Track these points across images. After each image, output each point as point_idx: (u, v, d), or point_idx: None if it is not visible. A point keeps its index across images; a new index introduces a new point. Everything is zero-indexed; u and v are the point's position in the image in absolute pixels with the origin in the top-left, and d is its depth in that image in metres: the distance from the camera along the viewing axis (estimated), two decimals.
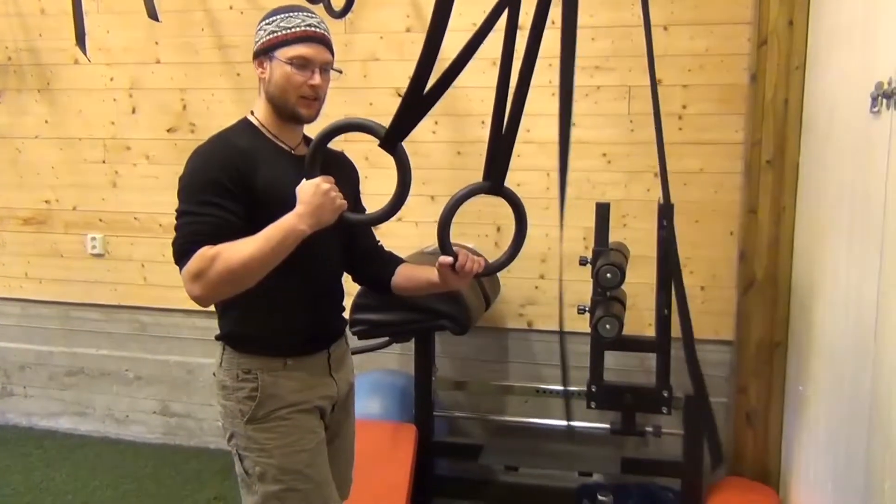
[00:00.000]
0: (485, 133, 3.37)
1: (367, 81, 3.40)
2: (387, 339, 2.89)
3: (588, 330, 2.83)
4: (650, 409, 2.84)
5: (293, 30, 1.80)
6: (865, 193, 2.00)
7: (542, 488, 3.29)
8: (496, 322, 3.41)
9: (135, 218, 3.76)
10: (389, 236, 3.41)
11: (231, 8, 3.50)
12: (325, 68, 1.84)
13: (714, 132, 3.10)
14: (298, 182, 1.71)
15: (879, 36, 1.98)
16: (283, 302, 1.83)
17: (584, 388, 2.87)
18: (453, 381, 3.37)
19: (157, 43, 3.63)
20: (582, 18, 3.17)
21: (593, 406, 2.87)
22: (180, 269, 1.69)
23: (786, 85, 2.87)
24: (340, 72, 1.97)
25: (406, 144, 3.31)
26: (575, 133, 3.22)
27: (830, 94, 2.51)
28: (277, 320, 1.84)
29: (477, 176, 3.46)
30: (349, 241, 2.04)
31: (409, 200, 3.40)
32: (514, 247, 1.93)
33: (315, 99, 1.84)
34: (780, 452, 3.01)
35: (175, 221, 1.73)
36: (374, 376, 3.35)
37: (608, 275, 2.59)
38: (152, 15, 3.30)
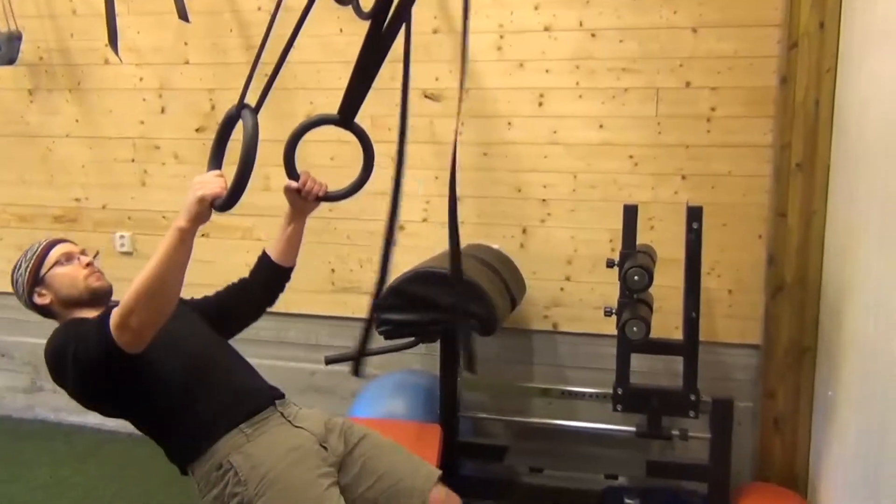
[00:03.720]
0: (511, 135, 3.42)
1: (394, 83, 3.38)
2: (413, 339, 2.89)
3: (615, 332, 2.83)
4: (677, 412, 2.83)
5: (38, 251, 2.03)
6: None
7: (567, 490, 3.28)
8: (521, 324, 3.41)
9: (163, 217, 3.79)
10: (415, 237, 3.45)
11: (259, 9, 3.52)
12: (83, 252, 2.09)
13: (743, 135, 3.07)
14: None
15: None
16: (196, 396, 1.91)
17: (610, 391, 2.87)
18: (478, 381, 3.37)
19: (186, 43, 3.66)
20: (609, 20, 3.22)
21: (619, 409, 2.86)
22: (110, 334, 1.74)
23: (817, 87, 2.84)
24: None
25: (431, 146, 3.37)
26: (601, 135, 3.22)
27: (863, 97, 2.49)
28: (204, 409, 1.90)
29: (503, 177, 3.50)
30: (212, 312, 2.18)
31: (434, 202, 3.45)
32: (360, 179, 2.05)
33: (94, 271, 2.05)
34: (809, 458, 2.98)
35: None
36: (398, 376, 3.36)
37: (636, 277, 2.58)
38: (183, 16, 3.33)
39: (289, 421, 1.96)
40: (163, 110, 3.74)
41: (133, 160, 3.82)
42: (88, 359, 1.80)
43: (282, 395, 2.04)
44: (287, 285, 2.24)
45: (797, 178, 2.91)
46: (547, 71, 3.24)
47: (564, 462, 3.03)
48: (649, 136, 3.17)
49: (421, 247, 3.35)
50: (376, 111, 3.36)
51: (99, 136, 3.85)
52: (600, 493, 3.17)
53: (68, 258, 2.03)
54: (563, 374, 3.38)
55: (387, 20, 1.61)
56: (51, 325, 2.09)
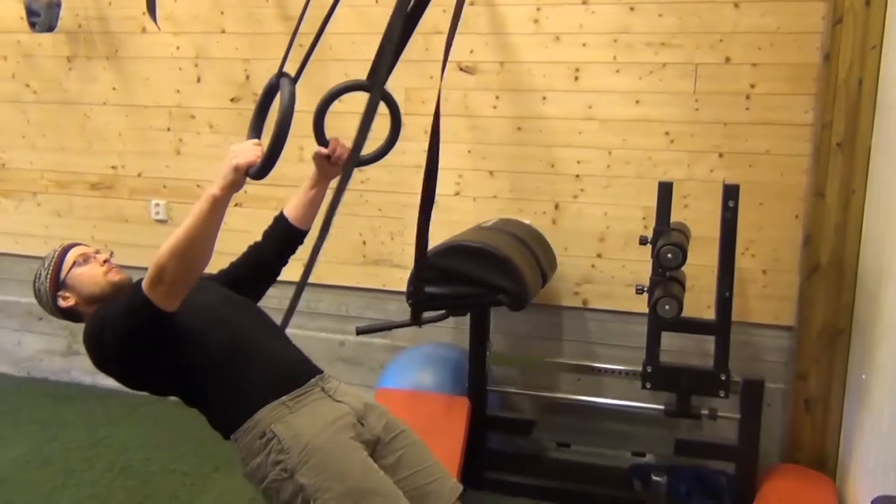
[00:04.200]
0: (546, 109, 3.39)
1: (428, 54, 3.38)
2: (443, 312, 2.90)
3: (645, 310, 2.82)
4: (707, 392, 2.82)
5: (55, 258, 2.05)
6: None
7: (593, 466, 3.30)
8: (551, 300, 3.40)
9: (197, 185, 3.83)
10: (448, 211, 3.45)
11: None
12: (97, 251, 2.12)
13: (783, 112, 3.02)
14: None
15: None
16: (239, 368, 1.92)
17: (640, 369, 2.86)
18: (507, 355, 3.38)
19: (222, 13, 3.66)
20: None
21: (648, 387, 2.86)
22: (142, 292, 1.78)
23: (861, 65, 2.78)
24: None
25: (465, 119, 3.35)
26: (637, 110, 3.18)
27: None
28: (248, 381, 1.91)
29: (536, 152, 3.48)
30: (237, 282, 2.20)
31: (468, 175, 3.44)
32: (387, 144, 2.07)
33: (112, 267, 2.09)
34: (839, 441, 2.96)
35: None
36: (427, 349, 3.38)
37: (669, 255, 2.56)
38: None
39: (329, 395, 1.98)
40: (198, 79, 3.76)
41: (169, 129, 3.85)
42: (126, 325, 1.83)
43: (321, 371, 2.06)
44: (299, 249, 2.24)
45: (837, 158, 2.85)
46: (584, 45, 3.20)
47: (592, 438, 3.03)
48: (686, 112, 3.12)
49: (453, 221, 3.35)
50: (411, 84, 3.39)
51: (135, 104, 3.88)
52: (627, 470, 3.18)
53: (85, 259, 2.06)
54: (593, 350, 3.38)
55: None
56: None
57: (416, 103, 3.39)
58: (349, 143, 2.01)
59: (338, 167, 2.06)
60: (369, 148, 1.99)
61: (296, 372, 1.99)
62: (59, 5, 3.70)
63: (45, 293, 2.05)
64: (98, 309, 1.98)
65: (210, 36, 3.70)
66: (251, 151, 1.72)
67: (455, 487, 2.04)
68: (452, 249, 2.78)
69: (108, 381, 4.34)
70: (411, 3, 1.74)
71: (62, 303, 2.04)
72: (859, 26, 2.77)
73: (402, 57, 3.44)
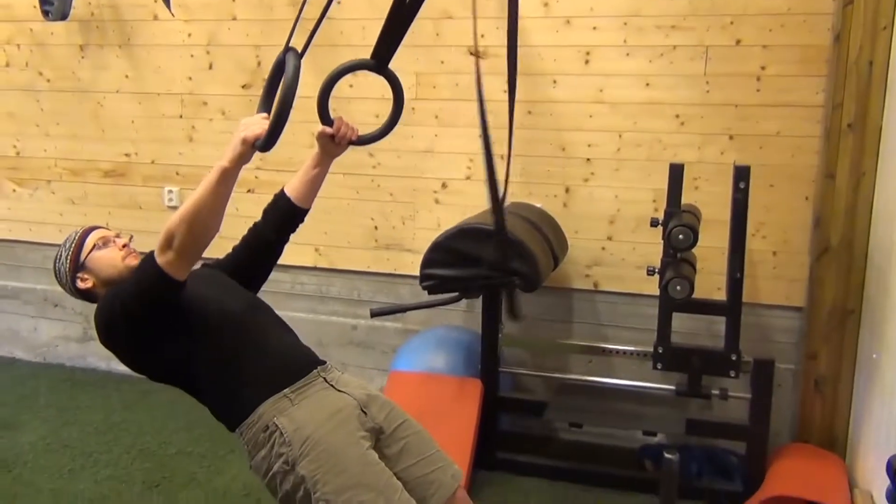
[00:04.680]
0: (557, 93, 3.41)
1: (438, 39, 3.41)
2: (456, 294, 2.93)
3: (655, 292, 2.84)
4: (717, 372, 2.85)
5: (76, 239, 2.09)
6: None
7: (604, 447, 3.34)
8: (562, 282, 3.43)
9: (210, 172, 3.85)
10: (458, 194, 3.47)
11: None
12: (117, 235, 2.14)
13: (793, 94, 3.03)
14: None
15: None
16: (241, 359, 1.95)
17: (651, 350, 2.89)
18: (519, 338, 3.40)
19: (233, 0, 3.69)
20: None
21: (660, 367, 2.89)
22: (153, 257, 1.83)
23: (871, 46, 2.78)
24: None
25: (476, 104, 3.34)
26: (648, 93, 3.19)
27: None
28: (250, 373, 1.94)
29: (547, 135, 3.49)
30: (241, 263, 2.24)
31: (478, 160, 3.46)
32: (390, 122, 2.06)
33: (131, 251, 2.09)
34: (849, 420, 2.98)
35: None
36: (440, 332, 3.41)
37: (681, 236, 2.58)
38: None
39: (332, 385, 2.00)
40: (210, 66, 3.78)
41: (181, 116, 3.88)
42: (136, 295, 1.87)
43: (323, 362, 2.09)
44: (300, 227, 2.27)
45: (847, 139, 2.86)
46: (594, 28, 3.22)
47: (603, 418, 3.06)
48: (697, 94, 3.14)
49: (465, 204, 3.38)
50: (422, 69, 3.41)
51: (148, 91, 3.91)
52: (638, 451, 3.22)
53: (105, 242, 2.09)
54: (603, 332, 3.40)
55: None
56: None
57: (426, 87, 3.41)
58: (353, 124, 2.06)
59: (341, 146, 2.08)
60: (371, 128, 2.02)
61: (297, 363, 2.01)
62: None
63: (64, 274, 2.09)
64: (108, 292, 2.02)
65: (221, 23, 3.73)
66: (258, 124, 1.77)
67: (456, 475, 2.06)
68: (464, 232, 2.81)
69: (123, 367, 4.39)
70: None
71: (80, 284, 2.08)
72: (870, 7, 2.77)
73: (413, 42, 3.47)
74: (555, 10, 3.25)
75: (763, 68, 3.04)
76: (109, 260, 2.06)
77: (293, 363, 2.01)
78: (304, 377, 1.97)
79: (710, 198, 3.11)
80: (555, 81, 3.30)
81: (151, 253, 1.84)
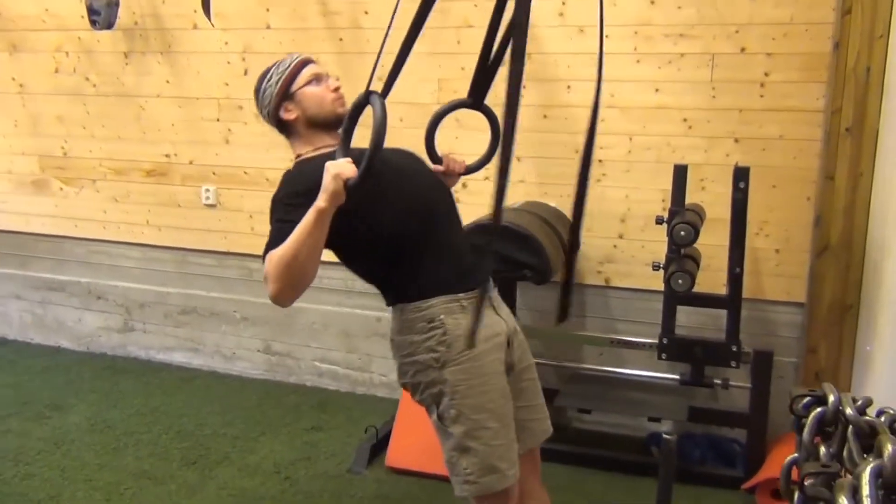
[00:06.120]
0: (570, 98, 3.57)
1: (459, 47, 3.60)
2: None
3: (662, 288, 3.00)
4: (719, 362, 3.00)
5: (291, 67, 2.04)
6: None
7: (614, 435, 3.50)
8: (575, 278, 3.59)
9: (244, 172, 4.09)
10: (477, 194, 3.65)
11: None
12: (328, 75, 2.10)
13: (795, 99, 3.18)
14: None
15: None
16: (424, 250, 1.99)
17: (656, 341, 3.05)
18: (530, 328, 3.57)
19: (267, 10, 3.91)
20: None
21: (664, 357, 3.05)
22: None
23: (868, 53, 2.92)
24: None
25: (494, 108, 3.53)
26: (657, 98, 3.36)
27: None
28: (432, 267, 1.99)
29: (561, 138, 3.66)
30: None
31: (496, 161, 3.63)
32: (489, 153, 2.17)
33: (341, 97, 2.07)
34: None
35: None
36: None
37: (682, 232, 2.75)
38: None
39: (494, 307, 2.07)
40: (245, 72, 4.01)
41: (218, 119, 4.12)
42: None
43: (489, 272, 2.16)
44: None
45: (846, 142, 3.00)
46: (606, 36, 3.38)
47: (610, 405, 3.23)
48: (704, 100, 3.29)
49: (482, 203, 3.52)
50: (444, 75, 3.61)
51: (187, 96, 4.16)
52: (646, 438, 3.37)
53: (318, 80, 2.06)
54: (615, 326, 3.57)
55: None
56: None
57: (448, 93, 3.61)
58: (459, 159, 2.20)
59: (453, 178, 2.21)
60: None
61: (472, 272, 2.04)
62: (117, 4, 3.98)
63: (270, 98, 2.04)
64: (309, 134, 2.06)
65: (256, 31, 3.95)
66: (348, 167, 1.80)
67: (546, 430, 2.19)
68: (481, 228, 2.99)
69: (162, 356, 4.67)
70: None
71: (284, 114, 2.05)
72: (867, 17, 2.91)
73: (435, 50, 3.67)
74: (569, 19, 3.43)
75: (766, 75, 3.20)
76: (320, 100, 2.04)
77: (469, 271, 2.03)
78: (476, 290, 1.98)
79: (716, 198, 3.27)
80: (569, 87, 3.47)
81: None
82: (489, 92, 2.06)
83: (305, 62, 2.07)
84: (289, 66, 2.04)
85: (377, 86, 1.79)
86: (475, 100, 2.10)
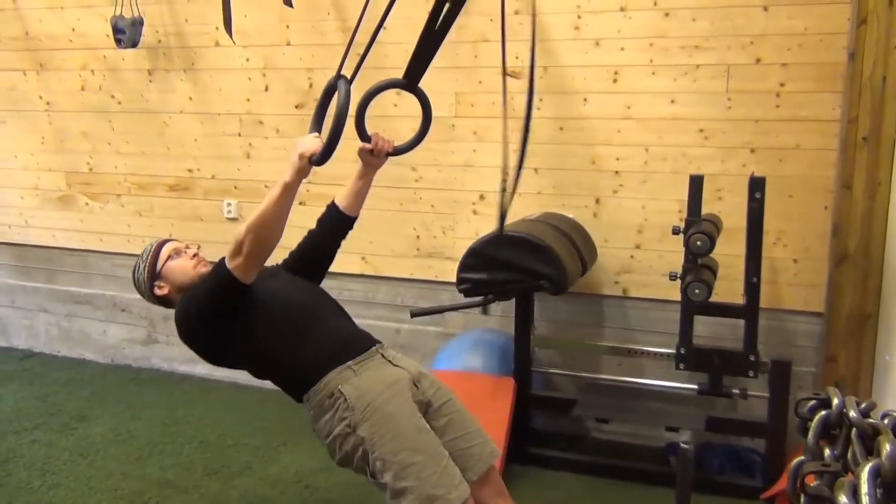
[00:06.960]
0: (587, 110, 3.61)
1: (477, 61, 3.65)
2: (491, 296, 3.13)
3: (679, 298, 3.01)
4: (737, 372, 3.00)
5: (152, 251, 2.37)
6: None
7: (631, 445, 3.50)
8: (592, 289, 3.62)
9: (265, 186, 4.15)
10: (495, 206, 3.68)
11: None
12: (187, 245, 2.42)
13: (811, 109, 3.19)
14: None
15: None
16: (309, 340, 2.21)
17: (674, 351, 3.06)
18: (550, 338, 3.60)
19: (287, 27, 3.99)
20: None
21: (682, 367, 3.05)
22: (224, 264, 2.12)
23: (884, 63, 2.93)
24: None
25: (511, 121, 3.59)
26: (672, 110, 3.38)
27: None
28: (318, 350, 2.20)
29: (578, 150, 3.70)
30: (299, 266, 2.50)
31: (513, 173, 3.66)
32: (420, 134, 2.28)
33: (201, 260, 2.38)
34: None
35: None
36: (476, 334, 3.63)
37: (698, 242, 2.76)
38: (287, 1, 3.65)
39: (389, 361, 2.26)
40: (266, 88, 4.08)
41: (239, 134, 4.19)
42: (209, 296, 2.17)
43: (380, 342, 2.35)
44: (350, 233, 2.52)
45: (863, 152, 3.01)
46: (622, 49, 3.42)
47: (628, 415, 3.23)
48: (719, 110, 3.31)
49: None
50: (461, 88, 3.66)
51: (209, 112, 4.23)
52: (664, 448, 3.37)
53: (177, 253, 2.37)
54: (633, 336, 3.58)
55: None
56: None
57: (465, 106, 3.66)
58: (389, 138, 2.30)
59: (380, 159, 2.34)
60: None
61: (358, 341, 2.28)
62: (141, 23, 4.07)
63: (143, 283, 2.38)
64: (186, 294, 2.30)
65: (276, 48, 4.03)
66: (313, 143, 2.04)
67: (494, 452, 2.29)
68: (497, 239, 3.03)
69: (184, 368, 4.72)
70: (441, 15, 1.98)
71: (158, 291, 2.37)
72: (882, 27, 2.92)
73: (453, 64, 3.71)
74: (585, 32, 3.47)
75: (782, 85, 3.21)
76: (182, 269, 2.35)
77: (355, 341, 2.27)
78: (365, 352, 2.23)
79: (733, 208, 3.27)
80: (585, 99, 3.51)
81: (223, 260, 2.12)
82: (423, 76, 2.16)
83: (162, 244, 2.39)
84: (150, 251, 2.37)
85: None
86: (409, 81, 2.17)
